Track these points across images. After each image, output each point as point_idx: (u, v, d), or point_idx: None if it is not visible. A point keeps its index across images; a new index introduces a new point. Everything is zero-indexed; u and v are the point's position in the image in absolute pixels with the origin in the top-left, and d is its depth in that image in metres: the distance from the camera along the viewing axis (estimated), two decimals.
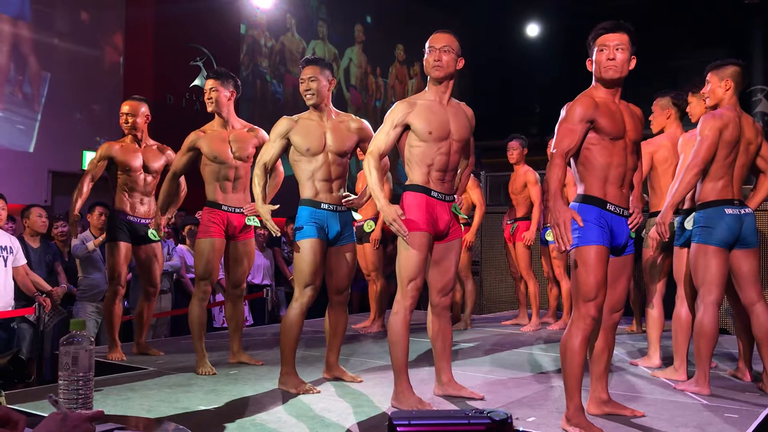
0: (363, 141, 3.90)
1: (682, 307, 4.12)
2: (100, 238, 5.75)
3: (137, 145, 4.83)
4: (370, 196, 3.53)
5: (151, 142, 4.92)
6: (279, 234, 3.76)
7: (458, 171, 3.60)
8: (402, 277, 3.33)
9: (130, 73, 9.61)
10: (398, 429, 1.55)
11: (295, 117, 3.87)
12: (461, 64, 3.47)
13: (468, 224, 5.94)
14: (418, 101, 3.43)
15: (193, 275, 6.77)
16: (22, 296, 5.41)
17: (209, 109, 4.42)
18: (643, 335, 5.52)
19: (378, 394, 3.65)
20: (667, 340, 4.44)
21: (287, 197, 4.33)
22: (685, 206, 4.03)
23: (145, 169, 4.81)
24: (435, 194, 3.39)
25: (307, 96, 3.83)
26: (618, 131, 3.04)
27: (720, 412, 3.38)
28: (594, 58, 3.10)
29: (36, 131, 8.76)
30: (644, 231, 4.57)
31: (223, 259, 4.46)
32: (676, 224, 4.08)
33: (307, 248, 3.69)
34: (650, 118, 4.57)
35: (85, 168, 4.96)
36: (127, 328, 5.77)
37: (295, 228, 3.77)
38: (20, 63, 8.69)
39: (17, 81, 8.65)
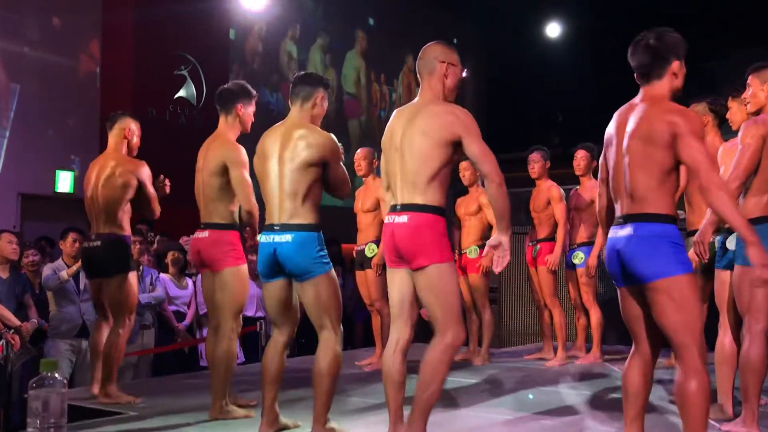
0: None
1: (725, 337, 4.10)
2: (74, 267, 5.76)
3: None
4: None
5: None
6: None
7: None
8: (457, 312, 3.30)
9: (108, 84, 9.65)
10: None
11: None
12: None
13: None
14: None
15: (175, 307, 6.80)
16: None
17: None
18: None
19: None
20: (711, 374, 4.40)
21: None
22: (727, 224, 4.02)
23: None
24: None
25: None
26: None
27: None
28: None
29: (3, 149, 8.81)
30: None
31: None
32: (717, 244, 4.06)
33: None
34: None
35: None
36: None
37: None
38: None
39: None
